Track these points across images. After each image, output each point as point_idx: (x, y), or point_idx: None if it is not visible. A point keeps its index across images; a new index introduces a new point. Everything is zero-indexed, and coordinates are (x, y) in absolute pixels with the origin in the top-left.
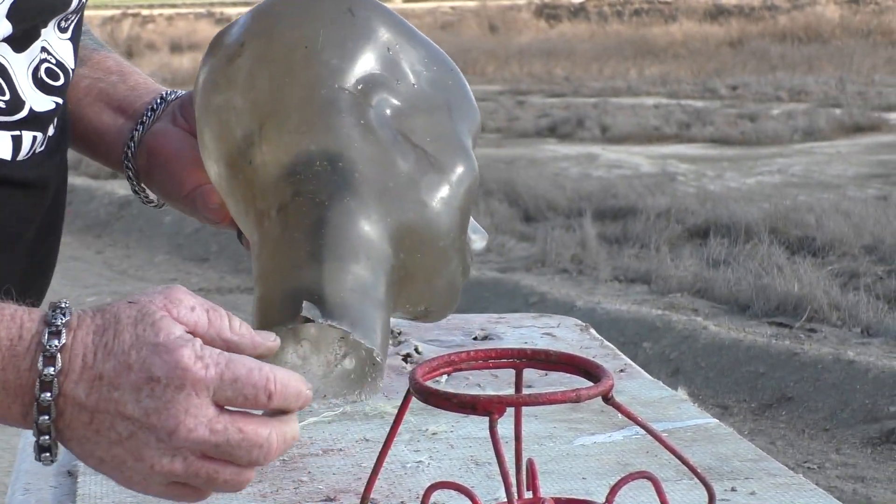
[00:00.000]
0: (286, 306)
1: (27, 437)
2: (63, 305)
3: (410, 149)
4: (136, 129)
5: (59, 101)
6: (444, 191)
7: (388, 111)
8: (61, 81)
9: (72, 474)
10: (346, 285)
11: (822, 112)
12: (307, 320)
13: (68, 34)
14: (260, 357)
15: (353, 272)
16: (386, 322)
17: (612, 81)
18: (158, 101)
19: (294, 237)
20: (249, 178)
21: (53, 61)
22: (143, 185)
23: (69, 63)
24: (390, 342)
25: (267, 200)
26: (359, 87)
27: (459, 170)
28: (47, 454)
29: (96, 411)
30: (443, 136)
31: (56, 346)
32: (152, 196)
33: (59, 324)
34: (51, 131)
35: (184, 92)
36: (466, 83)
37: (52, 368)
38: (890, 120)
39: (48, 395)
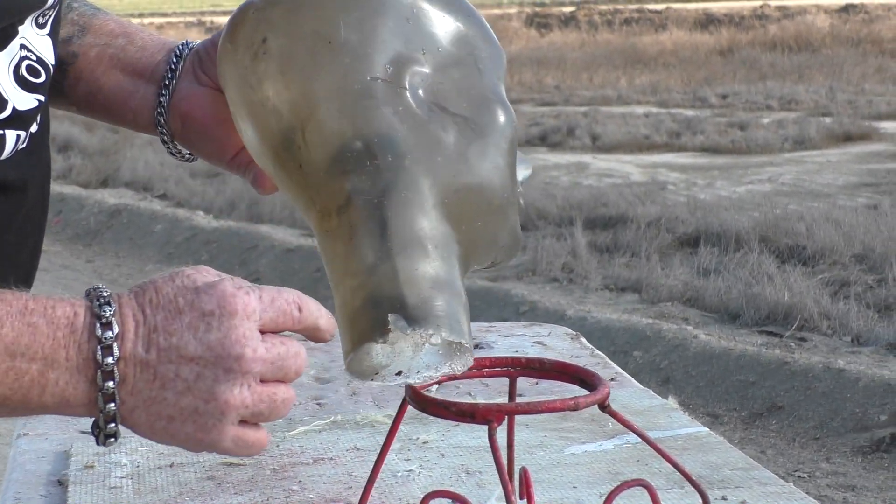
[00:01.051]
0: (371, 318)
1: (17, 447)
2: (99, 285)
3: (450, 119)
4: (163, 95)
5: (42, 98)
6: (490, 152)
7: (420, 88)
8: (42, 78)
9: (62, 483)
10: (422, 282)
11: (813, 121)
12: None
13: (47, 29)
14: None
15: (425, 265)
16: (466, 304)
17: (603, 90)
18: (174, 59)
19: (361, 240)
20: (300, 179)
21: (34, 58)
22: (178, 146)
23: (49, 59)
24: None
25: (324, 200)
26: (389, 71)
27: (499, 124)
28: (112, 439)
29: (159, 363)
30: (475, 95)
31: (110, 312)
32: (186, 153)
33: (106, 295)
34: (33, 128)
35: (195, 42)
36: (486, 24)
37: (110, 332)
38: (880, 129)
39: (110, 358)
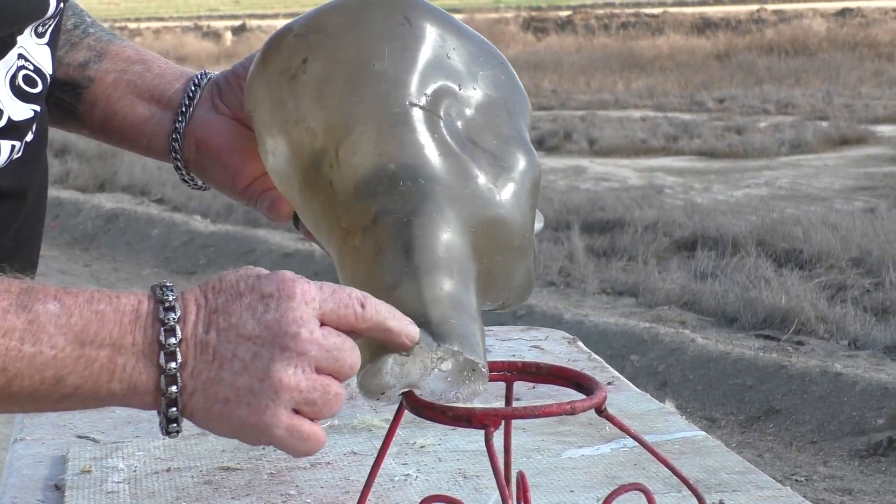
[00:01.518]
0: None
1: (14, 452)
2: (164, 281)
3: (481, 154)
4: (179, 121)
5: (38, 108)
6: (515, 191)
7: (456, 120)
8: (39, 88)
9: (59, 488)
10: (445, 302)
11: (809, 125)
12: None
13: (45, 39)
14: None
15: (448, 288)
16: (482, 330)
17: (600, 94)
18: (193, 88)
19: (386, 258)
20: (328, 198)
21: (31, 68)
22: (191, 173)
23: (47, 69)
24: None
25: (350, 220)
26: (427, 100)
27: (525, 167)
28: (175, 425)
29: (218, 343)
30: (505, 136)
31: (172, 297)
32: (200, 182)
33: (170, 285)
34: (28, 137)
35: (213, 73)
36: (515, 74)
37: (173, 314)
38: (877, 132)
39: (173, 339)
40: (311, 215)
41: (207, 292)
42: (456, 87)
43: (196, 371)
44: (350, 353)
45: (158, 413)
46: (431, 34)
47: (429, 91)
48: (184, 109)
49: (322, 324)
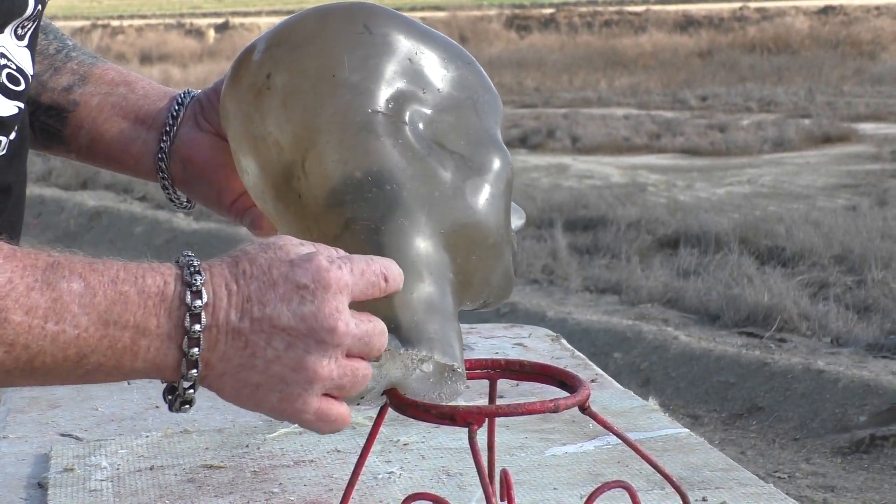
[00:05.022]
0: None
1: None
2: (188, 253)
3: (448, 156)
4: (164, 140)
5: (21, 105)
6: (486, 190)
7: (420, 124)
8: (22, 86)
9: (42, 486)
10: (416, 306)
11: (792, 123)
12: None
13: (25, 41)
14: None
15: (420, 290)
16: (458, 331)
17: (583, 92)
18: (176, 107)
19: None
20: (299, 210)
21: (13, 66)
22: (178, 192)
23: (28, 69)
24: None
25: (322, 230)
26: (390, 106)
27: (496, 165)
28: (188, 406)
29: (251, 332)
30: (474, 135)
31: (200, 280)
32: (185, 200)
33: (196, 264)
34: (12, 136)
35: (196, 91)
36: (484, 73)
37: (199, 301)
38: (859, 130)
39: (198, 326)
40: (286, 228)
41: (239, 277)
42: (420, 91)
43: (227, 356)
44: (379, 337)
45: (168, 392)
46: (393, 40)
47: (392, 97)
48: (168, 129)
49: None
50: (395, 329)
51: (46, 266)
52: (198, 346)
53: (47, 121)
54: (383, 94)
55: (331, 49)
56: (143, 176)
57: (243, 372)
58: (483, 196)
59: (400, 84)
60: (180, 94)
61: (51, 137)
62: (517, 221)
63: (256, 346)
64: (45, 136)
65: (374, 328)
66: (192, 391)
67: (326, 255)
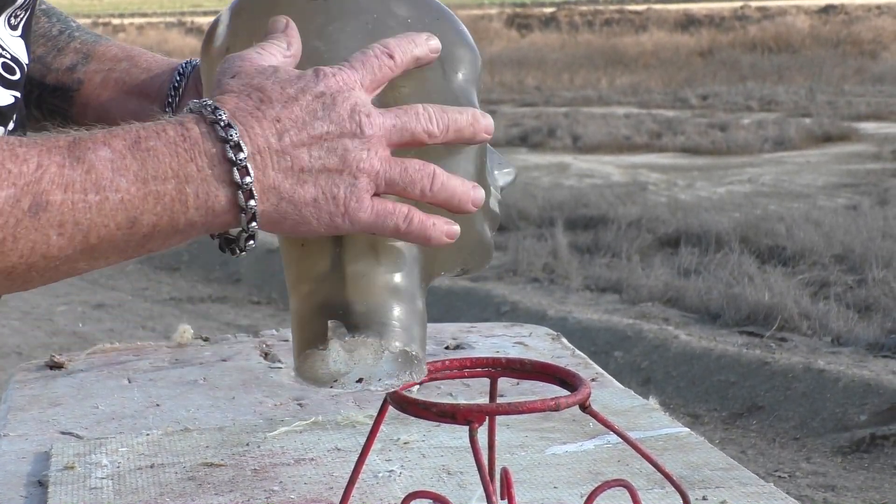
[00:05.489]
0: (316, 324)
1: None
2: (195, 101)
3: None
4: (166, 112)
5: (17, 94)
6: (452, 156)
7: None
8: (17, 76)
9: (42, 484)
10: (370, 289)
11: (792, 122)
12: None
13: (19, 31)
14: None
15: (375, 272)
16: (421, 313)
17: (583, 91)
18: (178, 77)
19: (312, 248)
20: None
21: (8, 56)
22: None
23: (23, 59)
24: None
25: None
26: None
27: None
28: (252, 242)
29: (293, 148)
30: (438, 98)
31: (224, 115)
32: None
33: (211, 102)
34: (10, 126)
35: (198, 60)
36: (457, 23)
37: (234, 131)
38: (859, 129)
39: (242, 154)
40: None
41: (260, 106)
42: None
43: (277, 180)
44: (416, 117)
45: (225, 242)
46: (350, 5)
47: None
48: (170, 100)
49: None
50: (345, 314)
51: (68, 144)
52: (248, 174)
53: (54, 102)
54: (342, 61)
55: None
56: None
57: (298, 191)
58: (449, 163)
59: (357, 49)
60: (182, 65)
61: (59, 119)
62: (506, 177)
63: (301, 159)
64: (53, 119)
65: (405, 111)
66: (254, 224)
67: (325, 67)
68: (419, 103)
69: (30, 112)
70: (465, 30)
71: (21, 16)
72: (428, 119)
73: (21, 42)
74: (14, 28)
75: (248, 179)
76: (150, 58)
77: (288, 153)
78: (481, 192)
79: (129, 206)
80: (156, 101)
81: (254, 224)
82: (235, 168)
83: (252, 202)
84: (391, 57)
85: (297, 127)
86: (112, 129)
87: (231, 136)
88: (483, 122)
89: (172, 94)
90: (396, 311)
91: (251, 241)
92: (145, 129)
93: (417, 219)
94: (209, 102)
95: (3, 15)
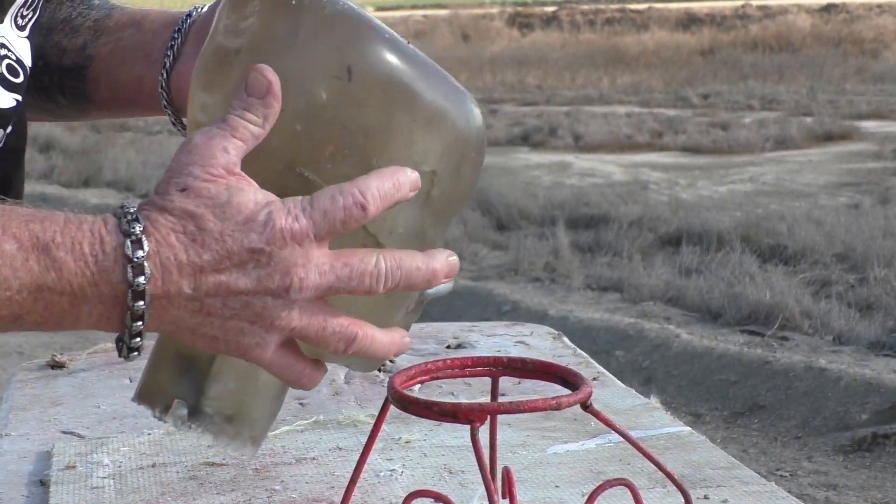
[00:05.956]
0: (168, 372)
1: None
2: (131, 210)
3: None
4: (162, 74)
5: (19, 98)
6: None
7: None
8: (21, 79)
9: (44, 483)
10: (231, 372)
11: (794, 121)
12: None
13: (26, 32)
14: None
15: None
16: (275, 409)
17: (585, 90)
18: (175, 36)
19: None
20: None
21: (13, 58)
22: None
23: (27, 61)
24: None
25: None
26: None
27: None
28: (136, 353)
29: (206, 297)
30: (403, 233)
31: (142, 255)
32: None
33: (139, 232)
34: (9, 129)
35: (202, 8)
36: (470, 114)
37: (142, 279)
38: (861, 128)
39: (141, 303)
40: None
41: (188, 248)
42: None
43: (179, 318)
44: (368, 271)
45: (118, 341)
46: (372, 90)
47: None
48: (165, 62)
49: (325, 247)
50: (196, 386)
51: None
52: (141, 320)
53: (70, 83)
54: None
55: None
56: (160, 113)
57: (200, 328)
58: None
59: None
60: (181, 20)
61: (79, 99)
62: (443, 288)
63: (212, 307)
64: (75, 100)
65: (351, 272)
66: (139, 340)
67: (278, 206)
68: (376, 252)
69: (55, 99)
70: (479, 120)
71: (28, 16)
72: (376, 280)
73: (27, 43)
74: (21, 28)
75: (138, 324)
76: (156, 17)
77: (199, 300)
78: (406, 343)
79: (16, 306)
80: (156, 64)
81: (138, 340)
82: (129, 312)
83: (137, 340)
84: (364, 209)
85: (218, 282)
86: (33, 218)
87: (139, 283)
88: (441, 276)
89: (168, 54)
90: (252, 408)
91: (135, 353)
92: (63, 232)
93: (318, 378)
94: (137, 231)
95: (9, 14)
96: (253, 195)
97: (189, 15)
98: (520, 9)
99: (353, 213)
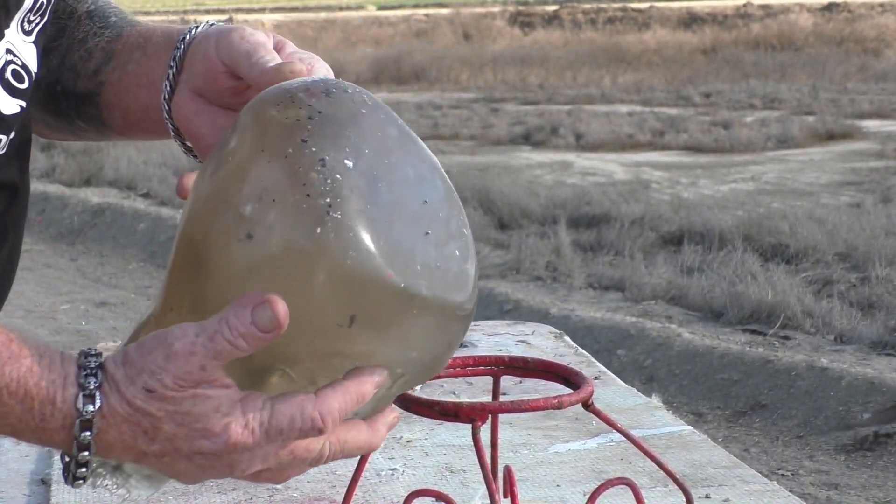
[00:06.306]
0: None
1: (1, 446)
2: (91, 367)
3: None
4: (163, 105)
5: (23, 104)
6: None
7: None
8: (26, 84)
9: (45, 482)
10: None
11: (796, 119)
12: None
13: (32, 37)
14: None
15: None
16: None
17: (586, 89)
18: (171, 63)
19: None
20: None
21: (19, 63)
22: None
23: (32, 67)
24: None
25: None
26: None
27: None
28: (81, 481)
29: (157, 462)
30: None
31: (87, 436)
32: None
33: (91, 413)
34: (12, 135)
35: (196, 30)
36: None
37: (86, 452)
38: (863, 127)
39: (86, 453)
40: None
41: (138, 437)
42: None
43: (130, 465)
44: (294, 471)
45: (65, 469)
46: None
47: None
48: (164, 93)
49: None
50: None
51: None
52: (86, 467)
53: (86, 109)
54: None
55: None
56: (168, 137)
57: (141, 464)
58: None
59: None
60: (176, 46)
61: (97, 124)
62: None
63: (161, 464)
64: (93, 125)
65: (293, 460)
66: (84, 469)
67: (242, 422)
68: (323, 439)
69: (75, 123)
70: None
71: (35, 21)
72: (316, 462)
73: (33, 49)
74: (28, 34)
75: (80, 481)
76: (159, 39)
77: (150, 462)
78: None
79: None
80: (160, 92)
81: (83, 469)
82: (75, 461)
83: (85, 453)
84: (320, 431)
85: (162, 461)
86: (1, 348)
87: (82, 475)
88: (382, 442)
89: (166, 84)
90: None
91: (80, 481)
92: (20, 380)
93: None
94: (92, 412)
95: (16, 19)
96: (215, 405)
97: (183, 39)
98: (521, 8)
99: (307, 434)
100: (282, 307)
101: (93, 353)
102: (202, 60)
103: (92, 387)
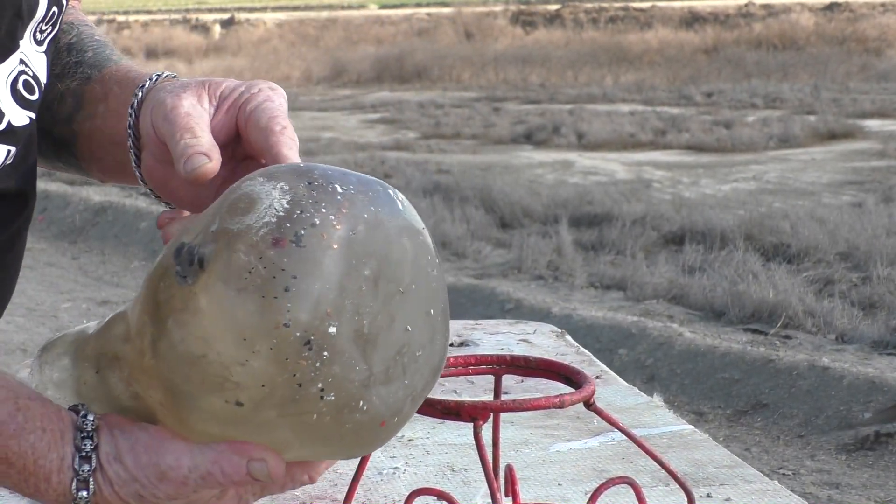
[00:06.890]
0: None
1: None
2: (86, 451)
3: None
4: (136, 172)
5: (32, 115)
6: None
7: None
8: (36, 96)
9: None
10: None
11: (797, 119)
12: None
13: (44, 47)
14: None
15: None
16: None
17: (588, 88)
18: (129, 131)
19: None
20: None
21: (30, 73)
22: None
23: (43, 77)
24: None
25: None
26: None
27: None
28: None
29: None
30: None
31: (85, 497)
32: None
33: (87, 472)
34: (20, 145)
35: (145, 87)
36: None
37: (85, 493)
38: (864, 127)
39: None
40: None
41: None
42: None
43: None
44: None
45: None
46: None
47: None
48: (133, 161)
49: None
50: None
51: None
52: None
53: (65, 156)
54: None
55: None
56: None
57: None
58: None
59: None
60: (129, 110)
61: (78, 170)
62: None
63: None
64: (75, 170)
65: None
66: None
67: (235, 501)
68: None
69: (58, 166)
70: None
71: (47, 31)
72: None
73: (44, 59)
74: (40, 43)
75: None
76: (118, 94)
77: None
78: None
79: None
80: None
81: None
82: None
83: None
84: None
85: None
86: (8, 419)
87: (81, 496)
88: None
89: (131, 145)
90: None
91: None
92: (22, 455)
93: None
94: (86, 498)
95: (29, 28)
96: (211, 494)
97: (132, 105)
98: (523, 7)
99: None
100: (277, 464)
101: (88, 432)
102: (148, 133)
103: (86, 473)
